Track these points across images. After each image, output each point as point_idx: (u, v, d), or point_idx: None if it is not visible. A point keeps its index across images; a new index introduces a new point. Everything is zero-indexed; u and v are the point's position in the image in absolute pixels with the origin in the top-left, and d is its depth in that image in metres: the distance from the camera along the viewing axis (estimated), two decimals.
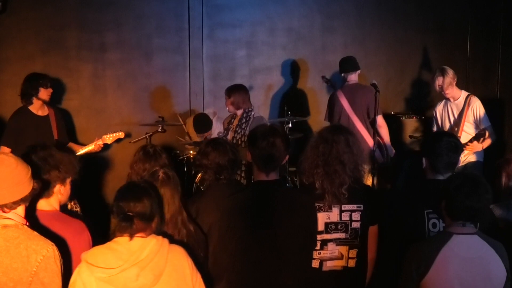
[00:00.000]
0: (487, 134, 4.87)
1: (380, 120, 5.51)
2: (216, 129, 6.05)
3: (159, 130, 5.74)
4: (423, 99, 6.93)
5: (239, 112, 5.50)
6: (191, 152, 5.82)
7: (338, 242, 3.03)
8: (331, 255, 3.03)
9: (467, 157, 5.14)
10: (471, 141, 4.90)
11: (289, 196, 3.07)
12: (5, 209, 2.43)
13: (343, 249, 3.04)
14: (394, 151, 5.69)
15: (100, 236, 2.77)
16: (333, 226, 3.01)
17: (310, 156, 3.04)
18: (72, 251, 2.70)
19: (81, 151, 5.34)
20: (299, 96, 6.93)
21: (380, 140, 5.74)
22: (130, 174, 3.60)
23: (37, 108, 5.26)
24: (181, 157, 5.88)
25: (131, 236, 2.53)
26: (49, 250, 2.41)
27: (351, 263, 3.07)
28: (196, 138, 6.03)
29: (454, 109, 5.33)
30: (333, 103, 5.74)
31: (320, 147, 3.01)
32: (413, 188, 3.40)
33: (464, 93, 5.35)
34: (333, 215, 3.00)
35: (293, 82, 6.96)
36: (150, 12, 6.55)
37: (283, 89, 6.93)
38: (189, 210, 3.23)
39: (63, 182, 2.88)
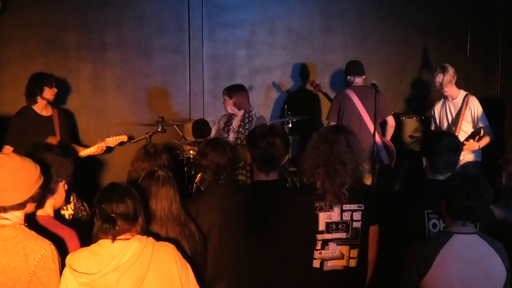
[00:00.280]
0: (482, 132, 4.89)
1: (391, 120, 5.76)
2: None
3: (159, 130, 5.74)
4: (423, 99, 6.93)
5: (240, 112, 5.47)
6: (191, 152, 5.82)
7: (339, 242, 3.03)
8: (332, 255, 3.03)
9: (465, 156, 5.14)
10: (467, 139, 4.92)
11: (289, 196, 3.07)
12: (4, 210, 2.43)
13: (344, 249, 3.04)
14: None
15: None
16: (334, 226, 3.01)
17: (311, 156, 3.04)
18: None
19: (83, 153, 5.34)
20: (299, 96, 6.92)
21: (386, 142, 5.77)
22: (130, 172, 3.60)
23: (41, 108, 5.26)
24: (181, 157, 5.88)
25: (114, 238, 2.50)
26: (47, 249, 2.41)
27: (352, 263, 3.07)
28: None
29: (452, 108, 5.34)
30: (343, 102, 5.71)
31: (321, 147, 3.01)
32: (413, 188, 3.39)
33: (462, 93, 5.36)
34: (334, 215, 3.00)
35: (293, 82, 6.96)
36: (150, 12, 6.55)
37: (283, 89, 6.93)
38: (189, 211, 3.23)
39: (55, 185, 2.86)
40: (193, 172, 5.69)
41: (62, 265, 2.49)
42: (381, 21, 7.00)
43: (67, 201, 3.18)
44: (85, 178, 3.20)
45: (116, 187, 2.64)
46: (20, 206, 2.45)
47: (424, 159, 3.31)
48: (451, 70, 5.25)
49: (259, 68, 6.86)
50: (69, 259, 2.51)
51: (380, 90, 5.42)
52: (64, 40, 6.32)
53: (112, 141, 5.40)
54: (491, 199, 2.75)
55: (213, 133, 6.03)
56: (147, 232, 2.70)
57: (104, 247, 2.50)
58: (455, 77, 5.28)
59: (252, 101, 5.70)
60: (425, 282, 2.66)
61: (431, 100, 6.11)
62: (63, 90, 6.27)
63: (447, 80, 5.23)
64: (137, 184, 3.02)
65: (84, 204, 3.58)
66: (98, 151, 5.37)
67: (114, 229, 2.49)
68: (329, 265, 3.04)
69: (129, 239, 2.54)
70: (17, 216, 2.46)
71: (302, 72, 6.94)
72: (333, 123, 5.71)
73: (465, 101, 5.26)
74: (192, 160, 5.71)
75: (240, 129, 5.40)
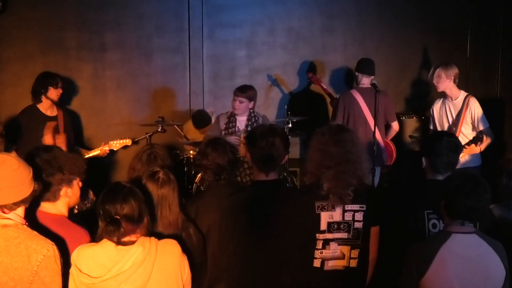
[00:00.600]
0: (484, 138, 4.87)
1: (396, 125, 5.80)
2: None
3: (159, 130, 5.74)
4: (423, 99, 6.92)
5: (246, 112, 5.47)
6: (191, 152, 5.82)
7: (340, 241, 3.04)
8: (332, 255, 3.04)
9: (464, 159, 5.11)
10: (468, 144, 4.89)
11: (289, 196, 3.08)
12: (5, 210, 2.43)
13: (345, 249, 3.05)
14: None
15: None
16: (335, 226, 3.02)
17: (317, 157, 3.04)
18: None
19: (87, 155, 5.34)
20: (299, 96, 6.92)
21: (388, 141, 5.77)
22: (130, 174, 3.58)
23: (46, 107, 5.26)
24: (181, 157, 5.88)
25: (119, 240, 2.49)
26: (50, 249, 2.41)
27: (353, 263, 3.08)
28: (198, 136, 6.00)
29: (452, 108, 5.32)
30: (348, 102, 5.68)
31: (330, 148, 3.02)
32: (413, 188, 3.39)
33: (463, 93, 5.33)
34: (336, 215, 3.02)
35: (293, 82, 6.96)
36: (150, 12, 6.55)
37: (278, 88, 6.93)
38: (189, 211, 3.23)
39: (69, 184, 2.86)
40: (193, 172, 5.70)
41: (64, 265, 2.49)
42: (381, 21, 7.00)
43: (82, 198, 3.16)
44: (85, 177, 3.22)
45: (120, 187, 2.60)
46: (24, 201, 2.45)
47: (423, 159, 3.31)
48: (447, 68, 5.21)
49: (259, 68, 6.86)
50: (74, 256, 2.52)
51: (381, 90, 5.42)
52: (64, 40, 6.32)
53: (115, 144, 5.37)
54: (490, 199, 2.75)
55: (212, 131, 5.99)
56: (152, 232, 2.68)
57: (106, 251, 2.49)
58: (452, 77, 5.22)
59: None
60: (424, 281, 2.66)
61: (431, 100, 6.09)
62: (63, 90, 6.27)
63: (437, 74, 5.22)
64: (141, 184, 2.99)
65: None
66: (101, 153, 5.36)
67: (119, 231, 2.47)
68: (330, 265, 3.05)
69: (133, 241, 2.52)
70: (19, 215, 2.47)
71: (302, 72, 6.93)
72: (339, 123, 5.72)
73: (465, 102, 5.24)
74: (192, 160, 5.71)
75: (249, 129, 5.36)
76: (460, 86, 5.47)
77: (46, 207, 2.82)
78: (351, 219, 3.04)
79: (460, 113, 5.25)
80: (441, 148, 3.23)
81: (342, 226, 3.02)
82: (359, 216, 3.05)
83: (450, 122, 5.34)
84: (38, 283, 2.37)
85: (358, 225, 3.05)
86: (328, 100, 6.61)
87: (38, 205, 2.79)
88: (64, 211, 2.87)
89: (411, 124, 6.67)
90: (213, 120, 5.87)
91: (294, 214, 2.94)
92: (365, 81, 5.71)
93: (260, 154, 3.00)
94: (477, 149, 4.96)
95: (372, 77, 5.73)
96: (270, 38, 6.87)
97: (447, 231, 2.72)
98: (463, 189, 2.65)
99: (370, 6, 7.00)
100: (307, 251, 3.00)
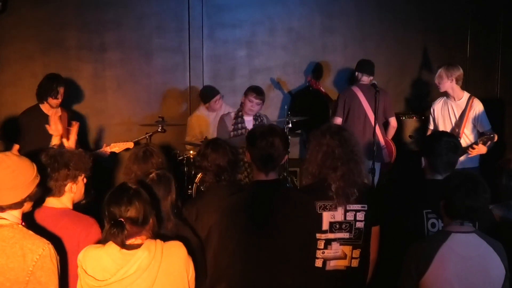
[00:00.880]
0: (496, 137, 4.86)
1: (393, 121, 5.84)
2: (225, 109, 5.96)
3: (159, 130, 5.74)
4: (423, 99, 6.92)
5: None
6: (191, 152, 5.82)
7: (342, 241, 3.05)
8: (334, 255, 3.05)
9: (461, 159, 5.09)
10: (476, 143, 4.86)
11: (289, 196, 3.07)
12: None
13: (347, 248, 3.06)
14: None
15: None
16: (337, 226, 3.02)
17: (319, 158, 3.04)
18: (81, 245, 2.71)
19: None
20: (300, 96, 6.92)
21: (388, 140, 5.78)
22: (124, 173, 3.56)
23: (49, 108, 5.25)
24: (181, 157, 5.88)
25: (123, 243, 2.47)
26: (45, 249, 2.40)
27: (354, 263, 3.08)
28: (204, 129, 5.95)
29: (456, 109, 5.31)
30: (349, 99, 5.74)
31: (333, 149, 3.02)
32: (413, 188, 3.39)
33: (466, 94, 5.33)
34: (338, 215, 3.02)
35: (293, 82, 6.96)
36: (150, 12, 6.55)
37: (280, 90, 6.93)
38: (190, 212, 3.23)
39: (74, 180, 2.87)
40: (193, 172, 5.69)
41: (61, 264, 2.48)
42: (381, 21, 7.00)
43: (86, 195, 3.17)
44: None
45: (125, 189, 2.57)
46: (18, 205, 2.45)
47: (423, 159, 3.31)
48: (450, 68, 5.23)
49: (259, 68, 6.86)
50: (80, 257, 2.52)
51: (381, 89, 5.43)
52: (64, 40, 6.33)
53: (117, 147, 5.33)
54: (490, 199, 2.75)
55: (220, 134, 5.91)
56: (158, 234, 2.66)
57: (112, 254, 2.48)
58: (454, 78, 5.22)
59: None
60: (424, 281, 2.66)
61: (431, 100, 6.09)
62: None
63: (438, 75, 5.27)
64: (146, 184, 2.97)
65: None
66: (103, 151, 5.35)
67: (123, 234, 2.45)
68: (332, 265, 3.05)
69: (139, 244, 2.51)
70: (15, 215, 2.46)
71: (302, 72, 6.93)
72: (339, 119, 5.73)
73: (469, 103, 5.24)
74: (192, 160, 5.71)
75: None
76: (460, 86, 5.47)
77: (51, 202, 2.84)
78: (352, 219, 3.04)
79: (463, 113, 5.25)
80: (441, 148, 3.23)
81: (344, 226, 3.03)
82: (360, 216, 3.05)
83: (453, 122, 5.33)
84: (34, 283, 2.37)
85: (359, 225, 3.05)
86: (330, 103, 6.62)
87: (43, 201, 2.80)
88: (69, 205, 2.90)
89: (411, 124, 6.67)
90: (220, 132, 5.63)
91: (294, 214, 2.94)
92: (365, 79, 5.79)
93: (260, 154, 2.99)
94: (484, 149, 4.93)
95: (372, 77, 5.77)
96: (270, 38, 6.87)
97: (447, 230, 2.71)
98: (463, 189, 2.65)
99: (370, 6, 7.00)
100: (307, 251, 2.99)
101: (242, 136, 5.22)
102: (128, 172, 3.43)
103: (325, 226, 3.01)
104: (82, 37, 6.36)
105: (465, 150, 4.90)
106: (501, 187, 3.43)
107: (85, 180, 2.95)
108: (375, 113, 5.41)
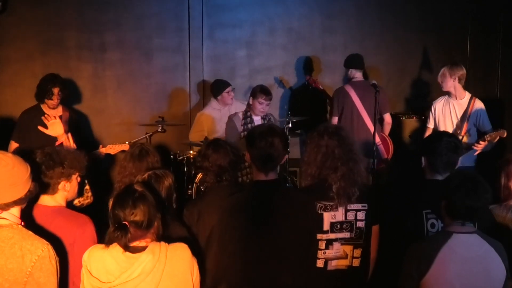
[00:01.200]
0: (505, 134, 4.88)
1: (388, 117, 5.81)
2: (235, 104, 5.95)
3: (159, 130, 5.73)
4: (423, 99, 6.92)
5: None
6: (191, 152, 5.82)
7: (343, 241, 3.05)
8: (335, 255, 3.05)
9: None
10: (483, 139, 4.88)
11: (289, 196, 3.07)
12: None
13: (348, 248, 3.06)
14: None
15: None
16: (338, 226, 3.03)
17: (319, 159, 3.04)
18: (77, 243, 2.73)
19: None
20: (300, 96, 6.92)
21: (384, 136, 5.78)
22: (118, 172, 3.55)
23: (48, 108, 5.24)
24: (181, 157, 5.87)
25: (127, 246, 2.47)
26: (44, 249, 2.39)
27: (356, 263, 3.09)
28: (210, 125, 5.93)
29: (457, 108, 5.32)
30: (342, 98, 5.75)
31: (333, 149, 3.02)
32: (413, 188, 3.39)
33: (468, 94, 5.35)
34: (339, 215, 3.02)
35: (293, 82, 6.95)
36: (150, 12, 6.55)
37: (283, 89, 6.93)
38: (191, 213, 3.23)
39: (68, 178, 2.89)
40: (193, 172, 5.69)
41: (60, 265, 2.48)
42: (381, 21, 7.00)
43: (79, 193, 3.17)
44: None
45: (130, 192, 2.56)
46: (21, 201, 2.45)
47: (423, 159, 3.31)
48: (453, 68, 5.25)
49: (259, 68, 6.86)
50: (85, 257, 2.52)
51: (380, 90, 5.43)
52: (64, 40, 6.32)
53: (113, 149, 5.29)
54: (490, 199, 2.75)
55: (229, 135, 5.81)
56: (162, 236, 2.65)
57: (116, 257, 2.48)
58: (456, 77, 5.23)
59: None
60: (425, 281, 2.66)
61: (431, 100, 6.09)
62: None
63: (441, 73, 5.30)
64: (152, 185, 2.97)
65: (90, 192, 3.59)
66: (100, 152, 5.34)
67: (126, 237, 2.44)
68: (333, 264, 3.05)
69: (143, 247, 2.50)
70: (15, 215, 2.45)
71: (302, 72, 6.93)
72: (335, 118, 5.77)
73: (471, 103, 5.26)
74: (192, 160, 5.70)
75: None
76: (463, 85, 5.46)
77: (45, 200, 2.86)
78: (353, 218, 3.04)
79: (465, 113, 5.26)
80: (441, 148, 3.22)
81: (345, 225, 3.03)
82: (361, 215, 3.06)
83: (454, 122, 5.33)
84: (32, 284, 2.36)
85: (360, 224, 3.06)
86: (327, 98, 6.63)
87: (37, 199, 2.81)
88: (63, 203, 2.91)
89: (411, 124, 6.67)
90: (230, 134, 5.54)
91: (294, 214, 2.94)
92: (358, 75, 5.81)
93: (259, 154, 2.99)
94: (489, 146, 4.96)
95: (362, 71, 5.79)
96: (270, 38, 6.87)
97: (448, 231, 2.71)
98: (463, 189, 2.65)
99: (370, 6, 7.00)
100: (307, 251, 2.99)
101: None
102: (123, 171, 3.43)
103: (326, 226, 3.01)
104: (82, 37, 6.36)
105: (470, 146, 4.92)
106: (501, 188, 3.43)
107: (79, 179, 2.97)
108: (374, 114, 5.40)
